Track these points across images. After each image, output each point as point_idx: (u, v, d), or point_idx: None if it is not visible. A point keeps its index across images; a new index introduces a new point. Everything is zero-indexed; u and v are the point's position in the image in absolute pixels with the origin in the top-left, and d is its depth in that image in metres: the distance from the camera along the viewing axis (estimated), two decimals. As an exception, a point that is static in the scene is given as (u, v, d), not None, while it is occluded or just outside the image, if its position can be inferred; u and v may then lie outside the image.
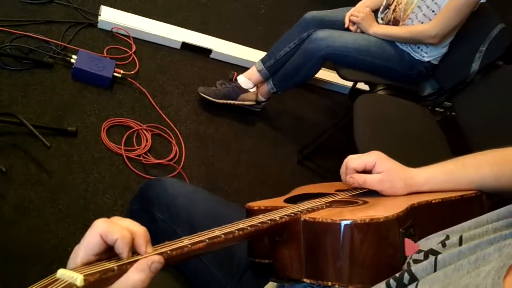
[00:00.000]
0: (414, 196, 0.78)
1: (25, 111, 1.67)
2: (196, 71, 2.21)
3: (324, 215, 0.64)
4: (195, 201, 0.94)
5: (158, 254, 0.48)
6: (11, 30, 1.86)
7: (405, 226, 0.66)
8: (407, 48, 1.82)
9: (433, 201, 0.74)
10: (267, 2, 2.79)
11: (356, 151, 1.47)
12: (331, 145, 2.08)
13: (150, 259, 0.46)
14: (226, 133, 2.03)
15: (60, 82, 1.84)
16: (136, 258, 0.47)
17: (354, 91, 2.23)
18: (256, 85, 2.04)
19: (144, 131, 1.84)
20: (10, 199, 1.44)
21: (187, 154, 1.85)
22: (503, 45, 1.68)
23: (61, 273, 0.43)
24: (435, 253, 0.60)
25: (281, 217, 0.63)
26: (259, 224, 0.61)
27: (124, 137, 1.77)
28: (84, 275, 0.42)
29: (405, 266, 0.61)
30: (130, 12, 2.21)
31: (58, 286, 0.41)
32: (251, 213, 0.79)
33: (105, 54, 2.02)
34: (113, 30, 2.13)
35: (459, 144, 1.70)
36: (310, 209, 0.68)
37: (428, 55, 1.80)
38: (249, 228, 0.59)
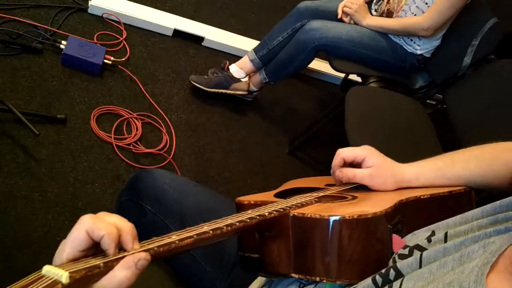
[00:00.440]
0: (403, 192, 0.79)
1: (13, 98, 1.65)
2: (187, 59, 2.19)
3: (313, 210, 0.64)
4: (185, 193, 0.93)
5: (145, 250, 0.48)
6: (-1, 14, 1.83)
7: (393, 222, 0.66)
8: (400, 40, 1.81)
9: (422, 197, 0.74)
10: (261, -11, 2.76)
11: (347, 142, 1.48)
12: (323, 136, 2.08)
13: (137, 256, 0.46)
14: (218, 122, 2.02)
15: (49, 68, 1.81)
16: (123, 255, 0.47)
17: (346, 82, 2.23)
18: (248, 74, 2.03)
19: (135, 119, 1.82)
20: (-2, 187, 1.43)
21: (177, 143, 1.84)
22: (496, 40, 1.68)
23: (46, 269, 0.43)
24: (420, 248, 0.60)
25: (270, 213, 0.63)
26: (248, 220, 0.61)
27: (114, 125, 1.76)
28: (70, 272, 0.42)
29: (390, 262, 0.61)
30: (121, -2, 2.18)
31: (43, 283, 0.41)
32: (241, 207, 0.79)
33: (95, 40, 1.99)
34: (104, 15, 2.09)
35: (449, 137, 1.72)
36: (299, 204, 0.69)
37: (420, 48, 1.80)
38: (237, 223, 0.59)
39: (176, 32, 2.22)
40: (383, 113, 1.66)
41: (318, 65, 2.38)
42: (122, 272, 0.45)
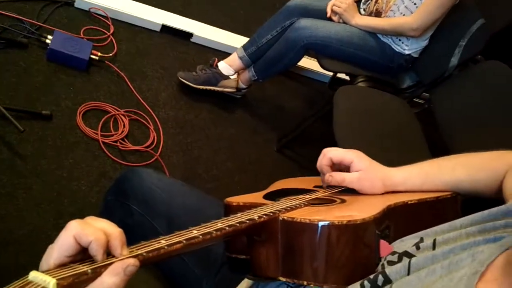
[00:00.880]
0: (390, 196, 0.79)
1: (-3, 93, 1.62)
2: (176, 55, 2.17)
3: (302, 214, 0.65)
4: (173, 194, 0.93)
5: (133, 256, 0.48)
6: (-17, 7, 1.79)
7: (381, 227, 0.66)
8: (388, 40, 1.82)
9: (409, 202, 0.75)
10: (250, -14, 2.75)
11: (335, 141, 1.48)
12: (311, 134, 2.08)
13: (125, 263, 0.46)
14: (206, 119, 2.01)
15: (35, 63, 1.78)
16: (111, 261, 0.46)
17: (335, 80, 2.23)
18: (237, 71, 2.02)
19: (122, 116, 1.81)
20: (-19, 184, 1.41)
21: (165, 141, 1.83)
22: (483, 41, 1.70)
23: (33, 275, 0.42)
24: (409, 255, 0.61)
25: (259, 217, 0.63)
26: (238, 224, 0.60)
27: (101, 122, 1.74)
28: (57, 279, 0.41)
29: (379, 268, 0.61)
30: (108, -8, 2.15)
31: None
32: (229, 208, 0.79)
33: (82, 35, 1.96)
34: (91, 10, 2.06)
35: (435, 137, 1.73)
36: (288, 208, 0.69)
37: (408, 48, 1.81)
38: (227, 228, 0.59)
39: (165, 28, 2.20)
40: (371, 113, 1.67)
41: (307, 63, 2.39)
42: (111, 278, 0.44)
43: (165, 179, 0.97)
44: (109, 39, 2.02)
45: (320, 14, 1.88)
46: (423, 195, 0.78)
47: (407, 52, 1.82)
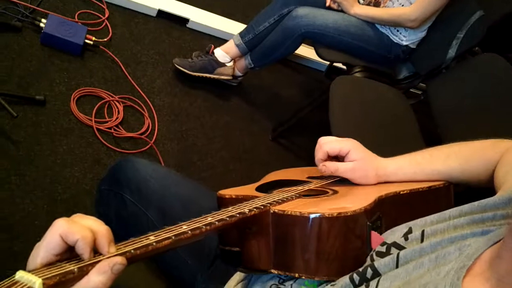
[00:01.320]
0: (382, 186, 0.79)
1: (-10, 77, 1.60)
2: (171, 41, 2.15)
3: (293, 207, 0.65)
4: (167, 184, 0.92)
5: (121, 254, 0.47)
6: (-25, -11, 1.76)
7: (373, 219, 0.67)
8: (386, 30, 1.81)
9: (401, 192, 0.75)
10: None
11: (330, 131, 1.48)
12: (306, 123, 2.08)
13: (112, 261, 0.45)
14: (201, 107, 2.00)
15: (28, 47, 1.76)
16: (98, 259, 0.46)
17: (331, 69, 2.22)
18: (234, 59, 2.01)
19: (116, 102, 1.79)
20: (-26, 170, 1.40)
21: (160, 128, 1.82)
22: (481, 33, 1.69)
23: (20, 275, 0.42)
24: (398, 247, 0.61)
25: (250, 210, 0.63)
26: (227, 218, 0.60)
27: (95, 108, 1.72)
28: (43, 279, 0.41)
29: (368, 260, 0.62)
30: (104, -25, 2.11)
31: None
32: (222, 201, 0.79)
33: (76, 19, 1.93)
34: (86, -7, 2.03)
35: (431, 128, 1.73)
36: (279, 201, 0.69)
37: (406, 39, 1.80)
38: (217, 223, 0.59)
39: (160, 13, 2.17)
40: (367, 104, 1.66)
41: (304, 51, 2.37)
42: (97, 277, 0.44)
43: (159, 169, 0.97)
44: (104, 24, 2.00)
45: (319, 2, 1.86)
46: (415, 185, 0.78)
47: (404, 43, 1.81)
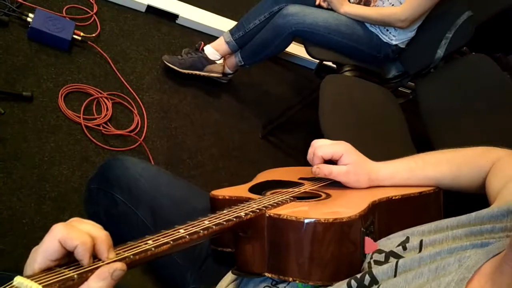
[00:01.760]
0: (375, 191, 0.80)
1: (-24, 73, 1.57)
2: (161, 37, 2.13)
3: (288, 211, 0.65)
4: (158, 184, 0.92)
5: (120, 259, 0.47)
6: (-40, -18, 1.72)
7: (366, 224, 0.67)
8: (376, 30, 1.82)
9: (393, 198, 0.76)
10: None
11: (320, 129, 1.49)
12: (296, 121, 2.08)
13: (112, 267, 0.45)
14: (191, 104, 1.99)
15: (15, 43, 1.73)
16: (97, 265, 0.46)
17: (321, 67, 2.23)
18: (224, 56, 2.00)
19: (105, 99, 1.77)
20: (-41, 168, 1.37)
21: (149, 125, 1.81)
22: (469, 33, 1.70)
23: (18, 281, 0.41)
24: (396, 256, 0.61)
25: (246, 214, 0.64)
26: (224, 223, 0.60)
27: (83, 104, 1.70)
28: (43, 286, 0.41)
29: (365, 266, 0.62)
30: (92, -31, 2.08)
31: None
32: (215, 202, 0.79)
33: (64, 14, 1.90)
34: (74, -13, 2.00)
35: (419, 127, 1.75)
36: (274, 204, 0.69)
37: (396, 39, 1.81)
38: (214, 227, 0.59)
39: (150, 8, 2.15)
40: (356, 103, 1.67)
41: (294, 49, 2.37)
42: (97, 283, 0.44)
43: (149, 168, 0.96)
44: (92, 19, 1.97)
45: (309, 0, 1.86)
46: (406, 190, 0.79)
47: (394, 43, 1.82)
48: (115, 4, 2.09)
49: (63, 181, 1.50)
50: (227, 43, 1.96)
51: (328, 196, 0.78)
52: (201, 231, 0.56)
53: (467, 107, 1.63)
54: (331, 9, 1.85)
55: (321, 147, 0.82)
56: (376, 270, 0.59)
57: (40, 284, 0.40)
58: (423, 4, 1.67)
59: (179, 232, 0.54)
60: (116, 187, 0.91)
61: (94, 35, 1.91)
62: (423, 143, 1.63)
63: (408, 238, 0.63)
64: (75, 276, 0.43)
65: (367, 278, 0.58)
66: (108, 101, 1.77)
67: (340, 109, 1.60)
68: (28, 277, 0.42)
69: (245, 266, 0.66)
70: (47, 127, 1.59)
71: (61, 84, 1.71)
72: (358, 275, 0.59)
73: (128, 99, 1.83)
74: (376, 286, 0.57)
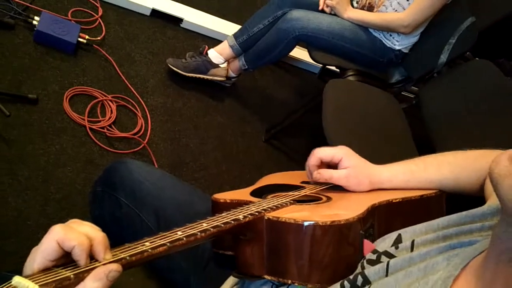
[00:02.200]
0: (375, 194, 0.81)
1: (-18, 75, 1.58)
2: (165, 40, 2.14)
3: (287, 214, 0.65)
4: (162, 187, 0.93)
5: (116, 260, 0.48)
6: (-33, -15, 1.74)
7: (366, 227, 0.68)
8: (379, 35, 1.83)
9: (394, 201, 0.76)
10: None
11: (323, 133, 1.49)
12: (299, 125, 2.09)
13: (108, 268, 0.46)
14: (194, 107, 2.00)
15: (21, 45, 1.74)
16: (94, 266, 0.47)
17: (325, 71, 2.23)
18: (227, 60, 2.01)
19: (109, 102, 1.79)
20: (-35, 169, 1.39)
21: (153, 128, 1.82)
22: (472, 39, 1.71)
23: (16, 280, 0.43)
24: (388, 255, 0.62)
25: (244, 217, 0.64)
26: (222, 225, 0.61)
27: (88, 107, 1.72)
28: (40, 285, 0.42)
29: (359, 267, 0.63)
30: (98, -27, 2.10)
31: None
32: (217, 205, 0.79)
33: (69, 17, 1.92)
34: (79, -9, 2.02)
35: (422, 132, 1.75)
36: (274, 207, 0.69)
37: (399, 44, 1.82)
38: (211, 229, 0.59)
39: (154, 12, 2.16)
40: (360, 108, 1.68)
41: (298, 53, 2.38)
42: (93, 283, 0.45)
43: (154, 172, 0.97)
44: (97, 22, 1.99)
45: (313, 5, 1.88)
46: (407, 193, 0.79)
47: (397, 48, 1.83)
48: (120, 8, 2.10)
49: (68, 183, 1.51)
50: (231, 47, 1.97)
51: (329, 199, 0.78)
52: (199, 233, 0.56)
53: (469, 112, 1.63)
54: (335, 14, 1.86)
55: (321, 150, 0.83)
56: (368, 270, 0.60)
57: (37, 283, 0.42)
58: (426, 10, 1.68)
59: (176, 234, 0.55)
60: (121, 190, 0.92)
61: (99, 38, 1.93)
62: (425, 147, 1.63)
63: (400, 236, 0.64)
64: (72, 276, 0.44)
65: (360, 279, 0.59)
66: (113, 103, 1.78)
67: (343, 113, 1.61)
68: (26, 277, 0.43)
69: (245, 269, 0.67)
70: (52, 130, 1.61)
71: (66, 87, 1.73)
72: (351, 276, 0.60)
73: (133, 102, 1.84)
74: (368, 286, 0.58)
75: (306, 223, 0.62)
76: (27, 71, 1.69)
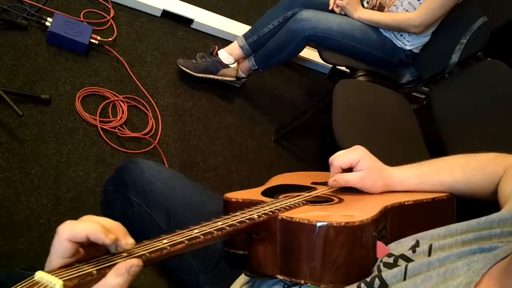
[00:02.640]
0: (387, 196, 0.80)
1: (-4, 76, 1.61)
2: (176, 41, 2.16)
3: (300, 214, 0.66)
4: (173, 187, 0.93)
5: (137, 256, 0.49)
6: (-18, -13, 1.77)
7: (379, 228, 0.68)
8: (390, 35, 1.82)
9: (406, 203, 0.76)
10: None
11: (332, 134, 1.49)
12: (309, 126, 2.09)
13: (129, 263, 0.46)
14: (205, 108, 2.01)
15: (34, 46, 1.77)
16: (115, 262, 0.47)
17: (334, 72, 2.23)
18: (237, 60, 2.02)
19: (120, 102, 1.80)
20: (-21, 168, 1.41)
21: (163, 128, 1.83)
22: (484, 39, 1.69)
23: (40, 275, 0.43)
24: (406, 259, 0.62)
25: (259, 216, 0.65)
26: (238, 224, 0.61)
27: (100, 107, 1.73)
28: (64, 280, 0.42)
29: (375, 270, 0.63)
30: (109, -25, 2.12)
31: None
32: (228, 204, 0.80)
33: (81, 18, 1.94)
34: (91, -8, 2.04)
35: (433, 133, 1.74)
36: (287, 207, 0.70)
37: (410, 44, 1.81)
38: (227, 228, 0.60)
39: (165, 13, 2.18)
40: (370, 108, 1.67)
41: (307, 53, 2.38)
42: (115, 279, 0.45)
43: (165, 171, 0.97)
44: (109, 23, 2.01)
45: (322, 5, 1.87)
46: (419, 195, 0.79)
47: (408, 48, 1.82)
48: (131, 9, 2.12)
49: (79, 182, 1.53)
50: (241, 47, 1.98)
51: (341, 200, 0.78)
52: (215, 232, 0.57)
53: (481, 113, 1.62)
54: (345, 14, 1.85)
55: (337, 158, 0.82)
56: (386, 273, 0.59)
57: (60, 278, 0.42)
58: (438, 9, 1.67)
59: (193, 232, 0.56)
60: (132, 189, 0.93)
61: (110, 39, 1.94)
62: (437, 148, 1.62)
63: (418, 242, 0.64)
64: (94, 271, 0.45)
65: (377, 282, 0.59)
66: (124, 104, 1.80)
67: (353, 114, 1.60)
68: (49, 272, 0.44)
69: (258, 268, 0.67)
70: (64, 129, 1.63)
71: (78, 87, 1.75)
72: (368, 279, 0.60)
73: (143, 102, 1.86)
74: None
75: (319, 224, 0.62)
76: (39, 71, 1.72)
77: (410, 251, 0.62)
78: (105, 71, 1.87)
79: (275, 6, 1.95)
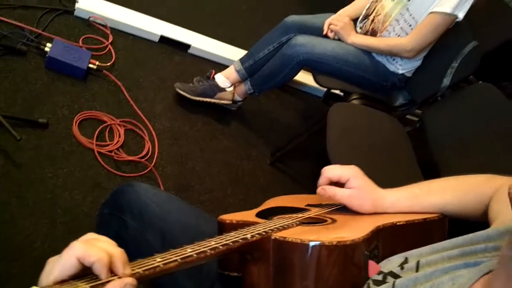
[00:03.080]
0: (380, 217, 0.82)
1: (-5, 100, 1.63)
2: (173, 66, 2.19)
3: (294, 234, 0.67)
4: (168, 209, 0.94)
5: (131, 275, 0.50)
6: (-17, 14, 1.81)
7: (370, 248, 0.69)
8: (382, 59, 1.86)
9: (398, 223, 0.77)
10: (249, -2, 2.79)
11: (327, 157, 1.51)
12: (304, 148, 2.11)
13: (123, 282, 0.48)
14: (201, 131, 2.02)
15: (33, 71, 1.79)
16: (110, 279, 0.48)
17: (329, 95, 2.27)
18: (234, 84, 2.05)
19: (117, 126, 1.82)
20: (-25, 192, 1.41)
21: (160, 151, 1.84)
22: (475, 63, 1.74)
23: None
24: (394, 275, 0.63)
25: (252, 236, 0.66)
26: (231, 243, 0.62)
27: (97, 131, 1.75)
28: None
29: (365, 287, 0.63)
30: (108, 1, 2.17)
31: None
32: (223, 226, 0.81)
33: (80, 44, 1.98)
34: (90, 19, 2.08)
35: (426, 155, 1.76)
36: (280, 227, 0.71)
37: (402, 68, 1.85)
38: (221, 247, 0.61)
39: (163, 39, 2.22)
40: (364, 131, 1.69)
41: (302, 77, 2.41)
42: None
43: (161, 194, 0.98)
44: (107, 48, 2.04)
45: (317, 31, 1.92)
46: (411, 216, 0.80)
47: (400, 72, 1.86)
48: (129, 35, 2.16)
49: (75, 206, 1.53)
50: (237, 71, 2.01)
51: (334, 221, 0.79)
52: (208, 251, 0.58)
53: (473, 135, 1.64)
54: (339, 39, 1.89)
55: (329, 169, 0.84)
56: None
57: None
58: (429, 35, 1.71)
59: (186, 250, 0.57)
60: (128, 212, 0.93)
61: (109, 64, 1.97)
62: (430, 170, 1.64)
63: (406, 259, 0.65)
64: None
65: None
66: (121, 127, 1.82)
67: (347, 136, 1.62)
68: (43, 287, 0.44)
69: None
70: (61, 153, 1.64)
71: (76, 111, 1.77)
72: None
73: (140, 126, 1.87)
74: None
75: (312, 243, 0.63)
76: (38, 96, 1.74)
77: (399, 267, 0.64)
78: (103, 95, 1.89)
79: (270, 31, 2.00)
